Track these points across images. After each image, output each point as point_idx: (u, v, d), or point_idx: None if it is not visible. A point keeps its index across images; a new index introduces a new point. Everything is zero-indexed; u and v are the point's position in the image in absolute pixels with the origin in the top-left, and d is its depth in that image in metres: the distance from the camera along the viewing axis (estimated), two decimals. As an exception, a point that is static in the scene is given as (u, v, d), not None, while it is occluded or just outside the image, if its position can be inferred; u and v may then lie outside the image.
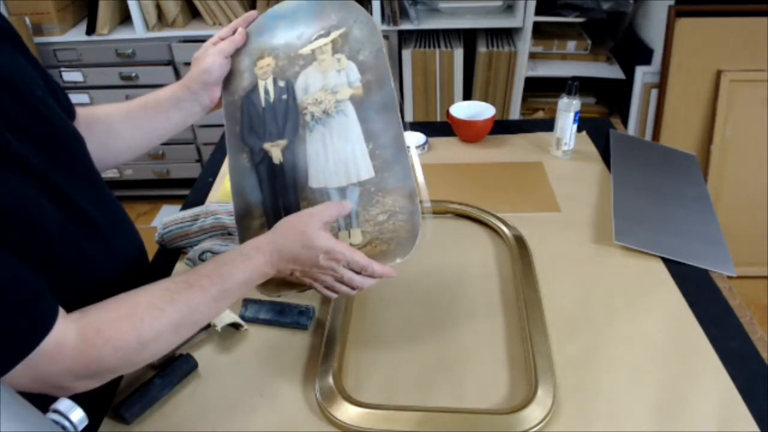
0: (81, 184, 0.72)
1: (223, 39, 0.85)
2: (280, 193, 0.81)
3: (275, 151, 0.81)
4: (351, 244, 0.76)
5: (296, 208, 0.79)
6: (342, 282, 0.74)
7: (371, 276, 0.74)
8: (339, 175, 0.78)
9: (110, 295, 0.70)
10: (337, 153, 0.79)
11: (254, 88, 0.84)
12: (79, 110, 0.85)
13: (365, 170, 0.78)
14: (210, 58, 0.83)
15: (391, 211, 0.76)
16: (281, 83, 0.83)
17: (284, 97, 0.82)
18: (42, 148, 0.67)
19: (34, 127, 0.67)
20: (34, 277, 0.60)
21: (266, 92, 0.83)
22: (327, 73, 0.81)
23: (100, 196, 0.76)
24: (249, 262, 0.71)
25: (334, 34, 0.82)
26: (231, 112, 0.85)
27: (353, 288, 0.75)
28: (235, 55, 0.85)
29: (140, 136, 0.89)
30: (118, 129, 0.87)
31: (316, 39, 0.82)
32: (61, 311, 0.62)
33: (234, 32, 0.85)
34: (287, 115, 0.82)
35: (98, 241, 0.72)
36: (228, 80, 0.86)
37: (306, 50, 0.82)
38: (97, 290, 0.71)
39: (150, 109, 0.88)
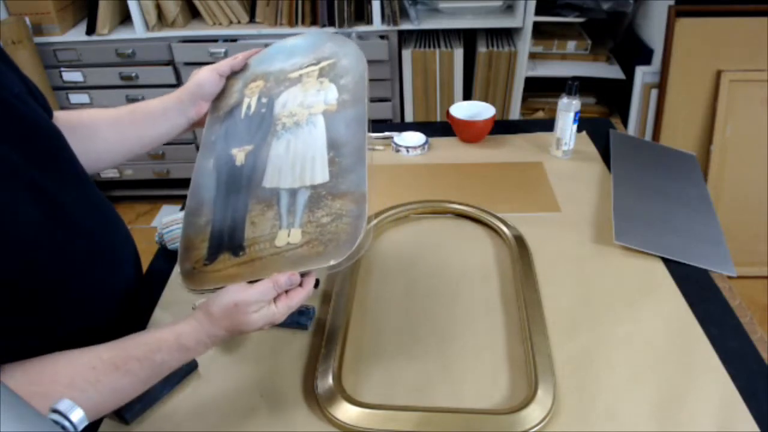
0: (63, 180, 0.72)
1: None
2: (232, 191, 0.80)
3: (240, 155, 0.83)
4: (289, 243, 0.73)
5: (244, 207, 0.78)
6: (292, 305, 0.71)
7: (301, 287, 0.71)
8: (294, 176, 0.78)
9: (94, 300, 0.68)
10: (297, 156, 0.80)
11: (239, 104, 0.89)
12: (60, 113, 0.85)
13: (320, 175, 0.77)
14: (204, 73, 0.90)
15: (337, 214, 0.73)
16: (264, 99, 0.88)
17: (263, 111, 0.87)
18: (21, 146, 0.67)
19: (10, 124, 0.67)
20: None
21: (248, 107, 0.88)
22: (307, 92, 0.86)
23: (84, 192, 0.76)
24: (188, 354, 0.69)
25: (324, 63, 0.88)
26: (211, 124, 0.90)
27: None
28: (233, 79, 0.93)
29: (125, 143, 0.90)
30: (103, 134, 0.88)
31: (307, 67, 0.89)
32: None
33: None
34: (261, 126, 0.85)
35: (77, 236, 0.70)
36: (218, 99, 0.92)
37: (295, 74, 0.89)
38: (83, 292, 0.69)
39: (138, 117, 0.90)
